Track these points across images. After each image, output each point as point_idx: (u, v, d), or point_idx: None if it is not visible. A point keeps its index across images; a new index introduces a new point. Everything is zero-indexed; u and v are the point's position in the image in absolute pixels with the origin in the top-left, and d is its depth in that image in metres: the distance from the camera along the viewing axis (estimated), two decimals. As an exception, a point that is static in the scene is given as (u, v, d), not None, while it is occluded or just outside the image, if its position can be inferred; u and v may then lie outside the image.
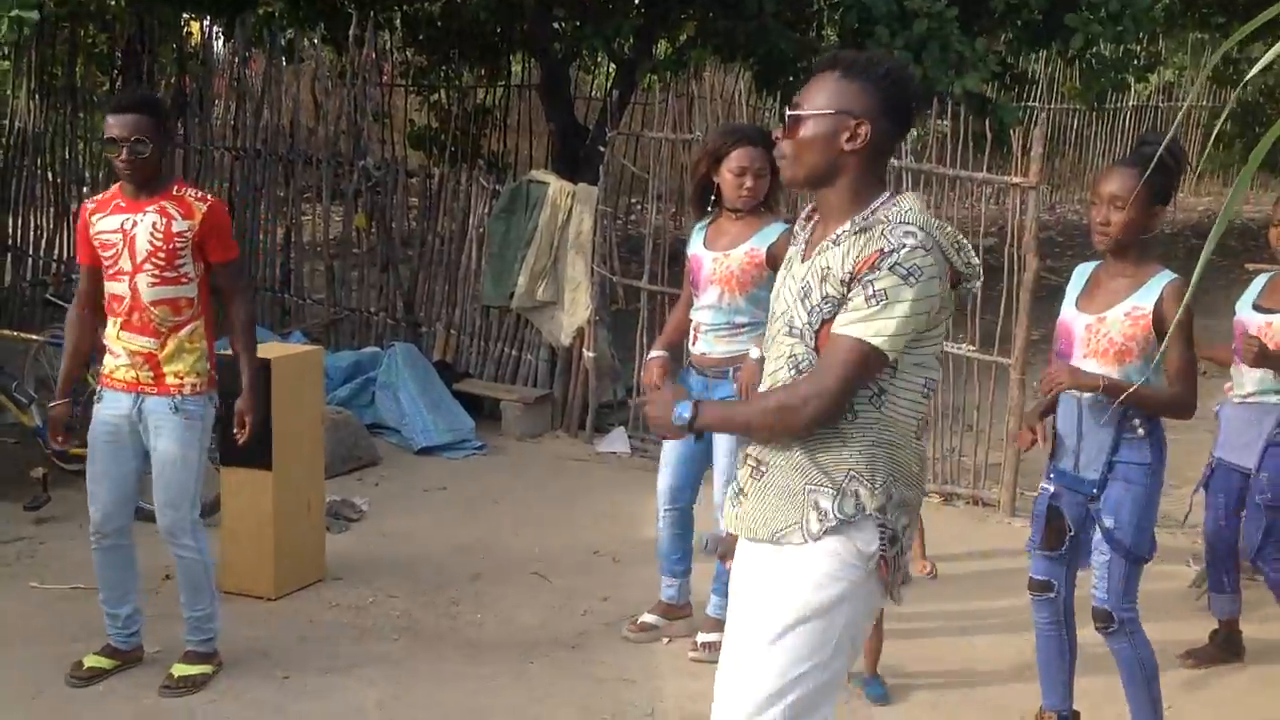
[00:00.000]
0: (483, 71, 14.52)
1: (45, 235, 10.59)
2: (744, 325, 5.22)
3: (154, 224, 4.69)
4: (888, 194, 2.97)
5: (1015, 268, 7.15)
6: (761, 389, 3.10)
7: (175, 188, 4.79)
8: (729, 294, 5.21)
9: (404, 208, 9.50)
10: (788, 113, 3.00)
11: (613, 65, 12.76)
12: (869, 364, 2.86)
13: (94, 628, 5.34)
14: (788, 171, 3.03)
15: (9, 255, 10.68)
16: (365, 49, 9.21)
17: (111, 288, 4.77)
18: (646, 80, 11.20)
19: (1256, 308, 5.15)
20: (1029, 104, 16.81)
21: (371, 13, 10.40)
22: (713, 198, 5.26)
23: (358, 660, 5.21)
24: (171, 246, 4.68)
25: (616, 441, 8.17)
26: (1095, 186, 4.29)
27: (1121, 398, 4.02)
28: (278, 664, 5.15)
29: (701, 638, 5.35)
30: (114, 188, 4.85)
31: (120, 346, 4.77)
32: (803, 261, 3.04)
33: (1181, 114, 10.75)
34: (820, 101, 2.95)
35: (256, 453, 5.63)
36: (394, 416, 8.07)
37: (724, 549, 3.38)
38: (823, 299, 2.92)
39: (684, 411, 3.04)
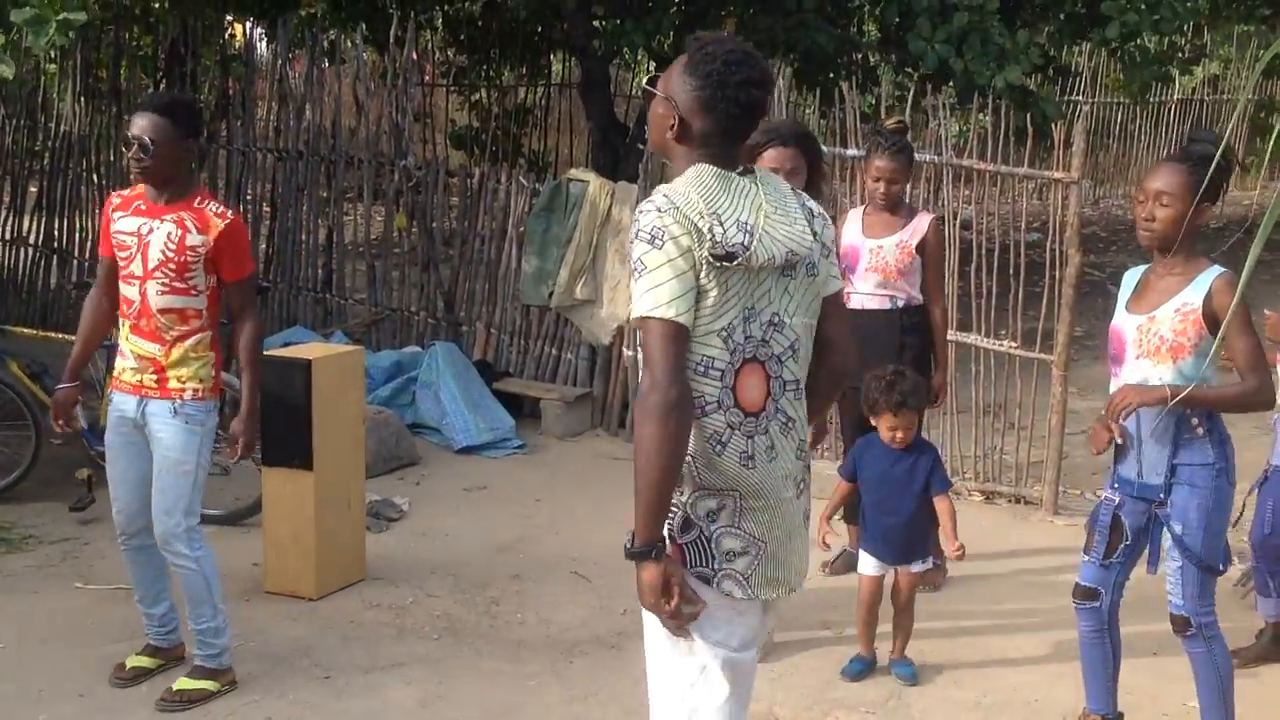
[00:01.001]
0: (523, 70, 14.55)
1: (90, 237, 10.67)
2: None
3: (169, 234, 4.67)
4: (693, 168, 3.00)
5: (1058, 263, 7.10)
6: None
7: (197, 199, 4.73)
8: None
9: (444, 207, 9.53)
10: (644, 86, 3.13)
11: (652, 63, 12.73)
12: (673, 337, 2.84)
13: (137, 628, 5.38)
14: (650, 142, 3.17)
15: (55, 257, 10.79)
16: (406, 49, 9.24)
17: (123, 289, 4.78)
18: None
19: None
20: (1072, 97, 16.69)
21: (413, 13, 10.43)
22: None
23: (399, 659, 5.23)
24: (183, 259, 4.66)
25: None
26: (1142, 182, 4.25)
27: (1181, 397, 3.96)
28: (319, 663, 5.18)
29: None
30: (140, 187, 4.79)
31: (129, 349, 4.78)
32: None
33: (1239, 109, 10.59)
34: (663, 85, 3.04)
35: (298, 453, 5.67)
36: (434, 416, 8.09)
37: None
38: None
39: (640, 552, 2.90)
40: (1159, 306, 4.18)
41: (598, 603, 5.81)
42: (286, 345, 7.10)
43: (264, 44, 11.46)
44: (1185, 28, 10.86)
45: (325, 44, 9.93)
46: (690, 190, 2.92)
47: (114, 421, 4.86)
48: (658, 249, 2.84)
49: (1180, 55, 13.78)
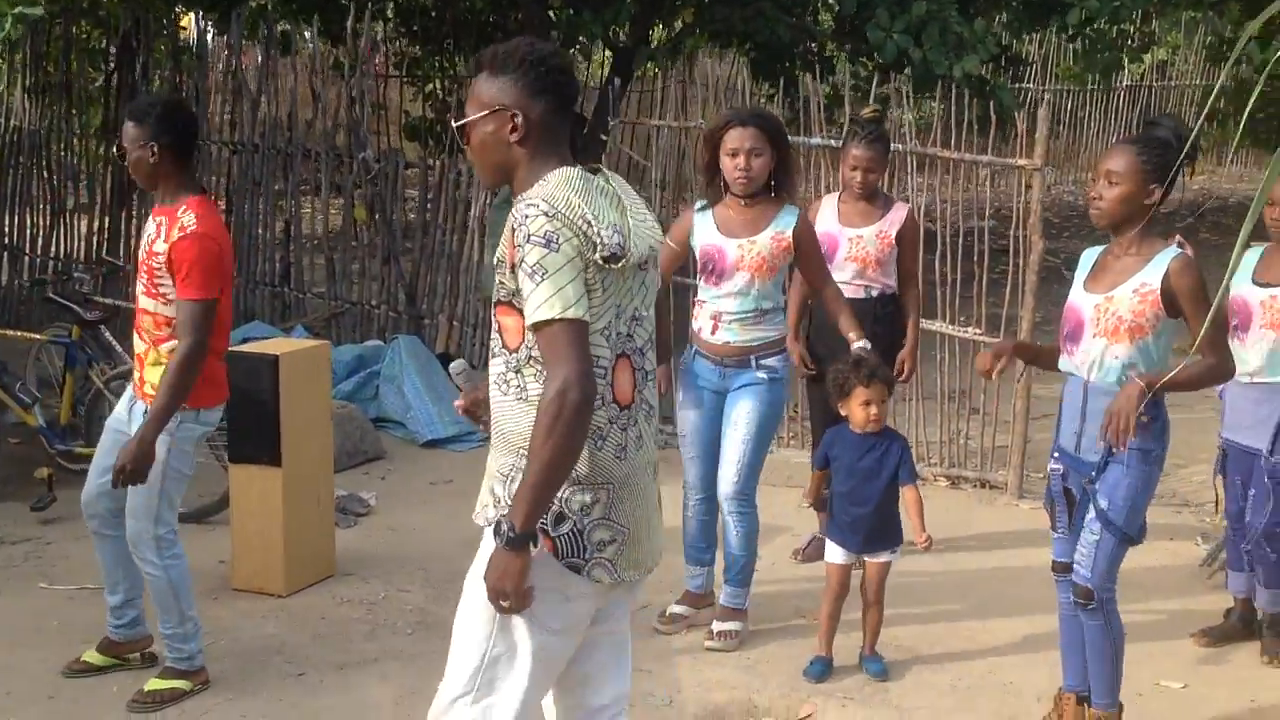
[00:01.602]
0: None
1: (41, 234, 10.54)
2: (768, 310, 5.23)
3: (149, 235, 4.64)
4: (555, 173, 3.03)
5: (1021, 249, 7.13)
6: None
7: (184, 206, 4.60)
8: (759, 280, 5.17)
9: (403, 200, 9.47)
10: (454, 125, 3.16)
11: (608, 53, 12.71)
12: (580, 335, 2.90)
13: (104, 628, 5.33)
14: (483, 180, 3.20)
15: (5, 254, 10.64)
16: (363, 40, 9.16)
17: None
18: (645, 67, 11.15)
19: (1256, 282, 5.08)
20: (1023, 85, 16.80)
21: (369, 4, 10.33)
22: (723, 184, 5.25)
23: (373, 655, 5.19)
24: (150, 264, 4.60)
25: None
26: (1096, 164, 4.31)
27: (1160, 386, 4.02)
28: (292, 661, 5.13)
29: (717, 626, 5.35)
30: None
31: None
32: None
33: (1205, 96, 10.67)
34: (476, 106, 3.07)
35: (265, 449, 5.62)
36: (398, 410, 8.04)
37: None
38: (499, 283, 3.00)
39: (510, 535, 2.93)
40: (1117, 286, 4.22)
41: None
42: (245, 341, 7.04)
43: (211, 36, 11.32)
44: (1136, 15, 10.93)
45: (279, 35, 9.84)
46: (567, 194, 2.96)
47: (120, 403, 4.83)
48: (555, 252, 2.88)
49: (1130, 42, 13.89)
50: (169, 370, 4.49)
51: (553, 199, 2.93)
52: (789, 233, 5.17)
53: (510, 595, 2.95)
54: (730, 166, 5.13)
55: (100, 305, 6.97)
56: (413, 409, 7.99)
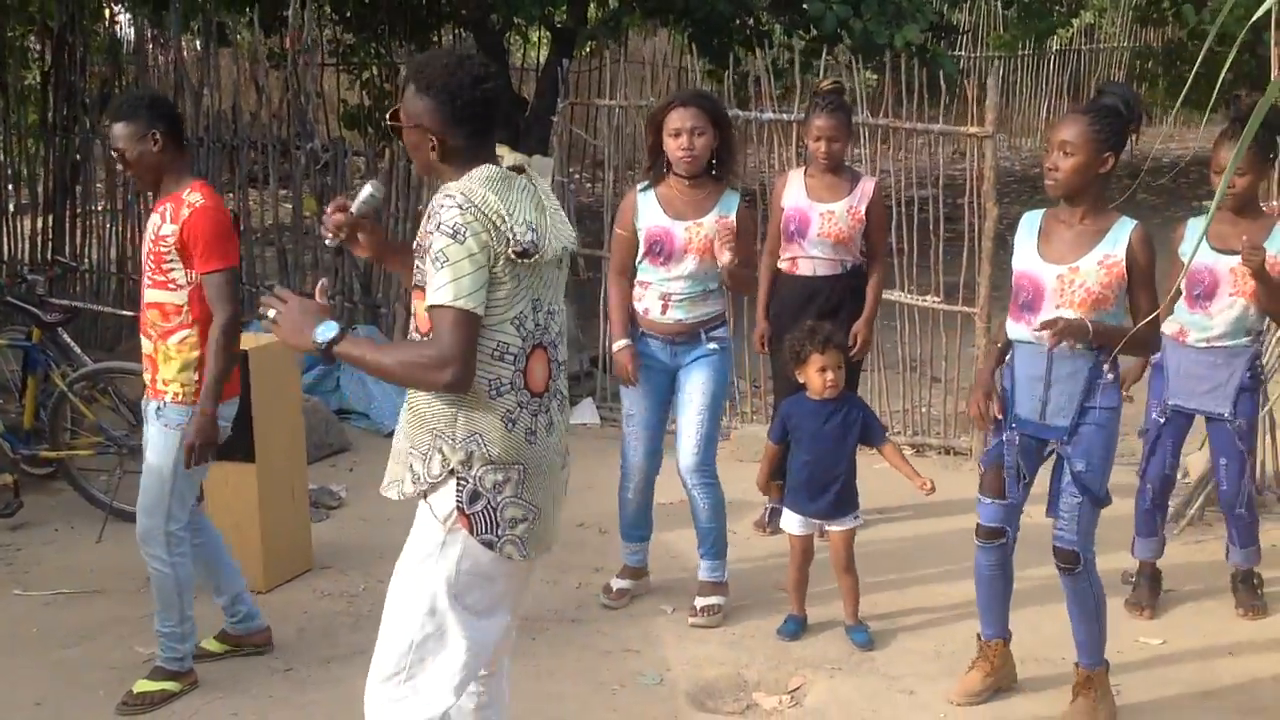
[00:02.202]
0: (413, 46, 14.35)
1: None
2: (713, 290, 5.30)
3: (154, 224, 4.62)
4: (478, 170, 3.18)
5: (976, 215, 7.21)
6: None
7: (187, 189, 4.60)
8: (706, 261, 5.22)
9: (352, 189, 9.40)
10: (387, 119, 3.32)
11: (546, 35, 12.67)
12: (468, 324, 3.07)
13: (86, 631, 5.33)
14: (416, 169, 3.27)
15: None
16: (305, 30, 9.07)
17: None
18: (584, 46, 11.12)
19: (1218, 249, 5.06)
20: (956, 54, 16.92)
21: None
22: (667, 166, 5.29)
23: (358, 648, 5.15)
24: (159, 250, 4.58)
25: (585, 413, 8.17)
26: (1049, 133, 4.36)
27: (1121, 342, 4.12)
28: (278, 656, 5.12)
29: (700, 602, 5.40)
30: None
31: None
32: None
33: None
34: (406, 114, 3.23)
35: (239, 445, 5.57)
36: (361, 401, 8.01)
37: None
38: (416, 267, 3.17)
39: (327, 333, 3.16)
40: (1081, 257, 4.27)
41: (551, 578, 5.79)
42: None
43: (133, 29, 11.17)
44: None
45: (217, 27, 9.72)
46: (485, 191, 3.11)
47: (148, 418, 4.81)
48: (459, 243, 3.04)
49: (1060, 7, 14.05)
50: (213, 343, 4.53)
51: (470, 193, 3.10)
52: (732, 216, 5.23)
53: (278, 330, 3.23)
54: (674, 146, 5.19)
55: (58, 307, 6.87)
56: (376, 399, 7.96)
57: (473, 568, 3.25)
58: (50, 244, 9.96)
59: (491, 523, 3.22)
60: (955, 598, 5.55)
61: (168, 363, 4.61)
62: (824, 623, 5.30)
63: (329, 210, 3.42)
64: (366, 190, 3.41)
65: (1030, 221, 4.45)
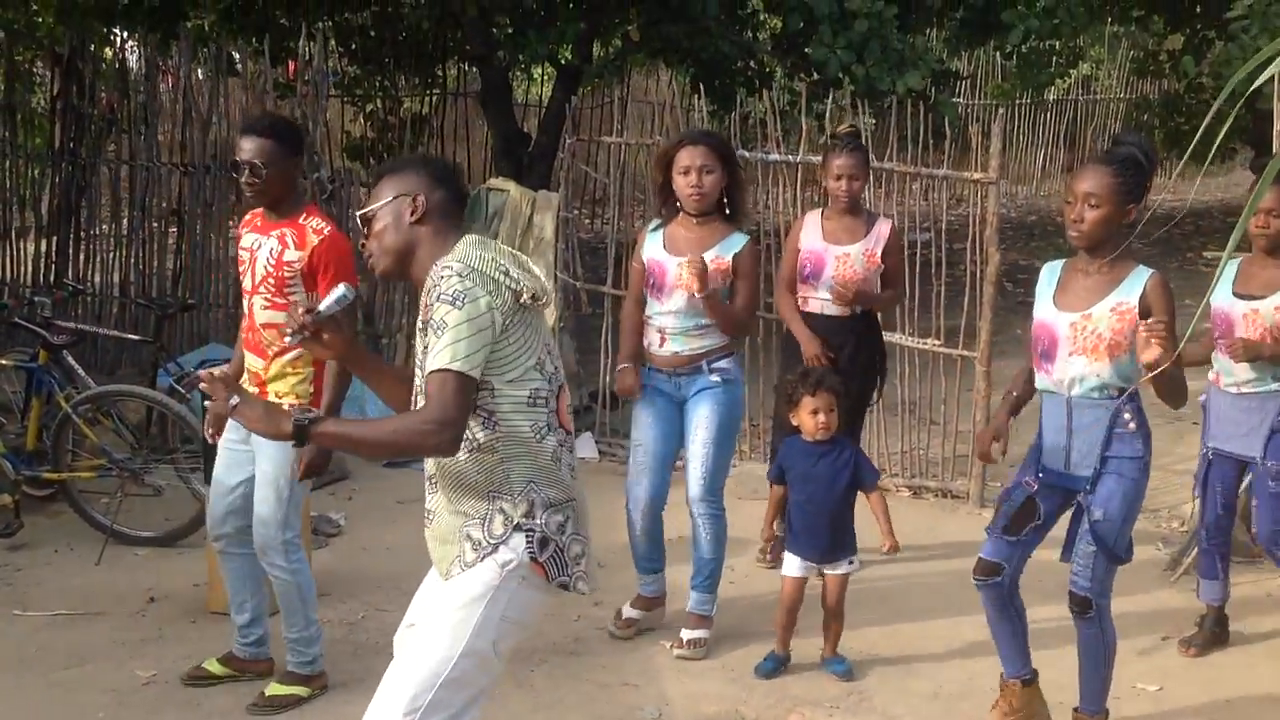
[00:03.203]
0: (416, 80, 14.45)
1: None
2: (707, 325, 5.32)
3: (271, 249, 4.74)
4: (460, 241, 3.28)
5: (978, 261, 7.27)
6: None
7: (304, 214, 4.77)
8: (697, 297, 5.26)
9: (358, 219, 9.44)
10: (357, 216, 3.39)
11: (550, 72, 12.76)
12: (464, 388, 3.11)
13: (86, 653, 5.33)
14: (379, 265, 3.37)
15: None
16: (315, 61, 9.14)
17: (244, 303, 4.88)
18: (590, 85, 11.21)
19: (1236, 295, 5.20)
20: (955, 100, 17.04)
21: (303, 24, 10.29)
22: (678, 204, 5.35)
23: (358, 675, 5.17)
24: (281, 275, 4.71)
25: (584, 447, 8.19)
26: (1070, 184, 4.38)
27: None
28: (278, 683, 5.12)
29: (686, 634, 5.44)
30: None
31: (245, 361, 4.89)
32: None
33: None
34: (380, 196, 3.35)
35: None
36: (361, 430, 8.00)
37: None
38: (423, 350, 3.19)
39: (304, 415, 3.14)
40: (1094, 305, 4.30)
41: (550, 610, 5.72)
42: (204, 363, 7.00)
43: (136, 56, 11.22)
44: (1076, 29, 11.17)
45: (227, 56, 9.79)
46: (479, 252, 3.22)
47: (228, 429, 4.88)
48: (459, 309, 3.10)
49: (1059, 60, 14.16)
50: (334, 373, 4.70)
51: (466, 258, 3.20)
52: (729, 257, 5.27)
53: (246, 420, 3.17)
54: (683, 184, 5.25)
55: (64, 329, 6.91)
56: (375, 429, 7.96)
57: (519, 616, 3.30)
58: (54, 267, 9.99)
59: (562, 564, 3.29)
60: (952, 639, 5.57)
61: (284, 378, 4.78)
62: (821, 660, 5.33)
63: (299, 309, 3.43)
64: (339, 291, 3.40)
65: (1050, 271, 4.50)
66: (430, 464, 3.32)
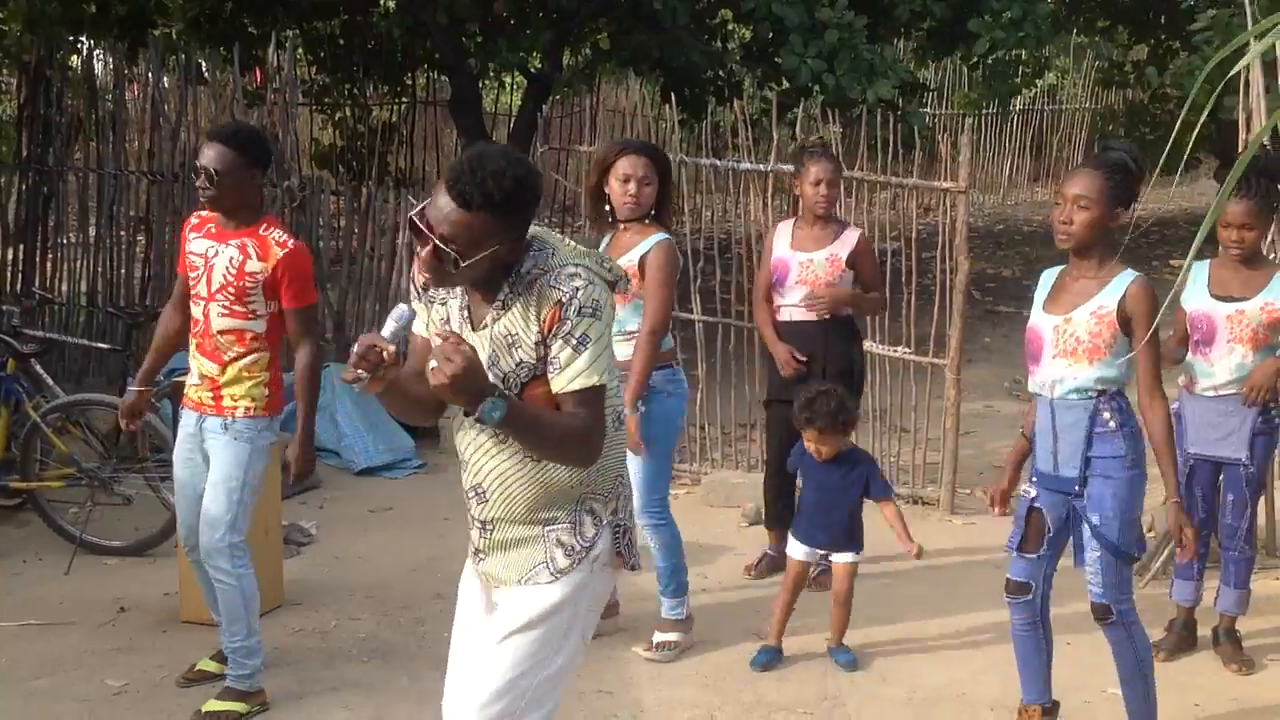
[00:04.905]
0: (385, 88, 14.45)
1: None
2: (632, 333, 5.25)
3: (231, 259, 4.73)
4: (531, 248, 3.09)
5: (946, 270, 7.32)
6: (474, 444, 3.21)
7: (263, 226, 4.77)
8: (620, 305, 5.25)
9: (329, 227, 9.43)
10: (436, 243, 2.96)
11: (520, 81, 12.76)
12: (604, 401, 3.11)
13: (58, 662, 5.30)
14: (457, 280, 3.05)
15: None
16: (285, 69, 9.13)
17: (191, 309, 4.86)
18: (560, 93, 11.22)
19: (1216, 296, 5.22)
20: (922, 110, 17.14)
21: (273, 33, 10.27)
22: (609, 209, 5.35)
23: (332, 684, 5.17)
24: (242, 284, 4.72)
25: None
26: (1059, 189, 4.42)
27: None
28: (250, 692, 5.10)
29: (657, 637, 5.48)
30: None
31: (195, 367, 4.87)
32: (474, 331, 3.14)
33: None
34: (468, 239, 2.95)
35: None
36: (332, 438, 8.00)
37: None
38: (517, 365, 3.09)
39: (495, 411, 2.94)
40: (1076, 308, 4.34)
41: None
42: (173, 372, 6.94)
43: (102, 65, 11.16)
44: (1042, 41, 11.25)
45: (196, 64, 9.75)
46: (574, 246, 3.14)
47: (180, 436, 4.95)
48: (599, 320, 3.03)
49: (1025, 70, 14.27)
50: (302, 374, 4.85)
51: (578, 259, 3.08)
52: (637, 258, 5.25)
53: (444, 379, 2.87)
54: (620, 192, 5.25)
55: (33, 338, 6.86)
56: (347, 437, 7.96)
57: (594, 603, 3.32)
58: (22, 276, 9.92)
59: (632, 549, 3.34)
60: (925, 645, 5.61)
61: (239, 382, 4.79)
62: (798, 663, 5.36)
63: (357, 349, 2.94)
64: (401, 311, 3.04)
65: (1048, 276, 4.54)
66: (487, 475, 3.19)
